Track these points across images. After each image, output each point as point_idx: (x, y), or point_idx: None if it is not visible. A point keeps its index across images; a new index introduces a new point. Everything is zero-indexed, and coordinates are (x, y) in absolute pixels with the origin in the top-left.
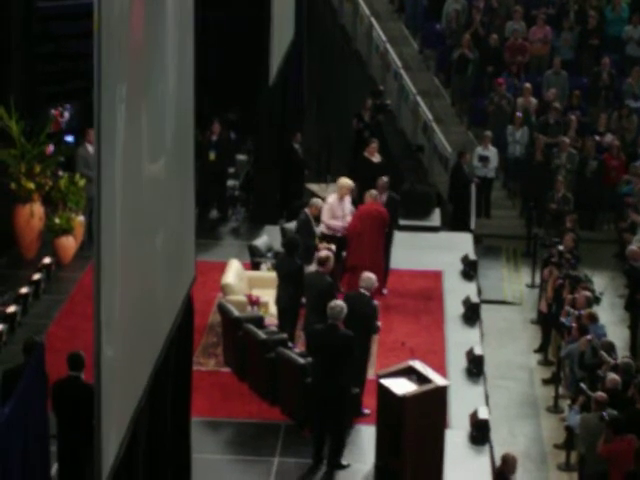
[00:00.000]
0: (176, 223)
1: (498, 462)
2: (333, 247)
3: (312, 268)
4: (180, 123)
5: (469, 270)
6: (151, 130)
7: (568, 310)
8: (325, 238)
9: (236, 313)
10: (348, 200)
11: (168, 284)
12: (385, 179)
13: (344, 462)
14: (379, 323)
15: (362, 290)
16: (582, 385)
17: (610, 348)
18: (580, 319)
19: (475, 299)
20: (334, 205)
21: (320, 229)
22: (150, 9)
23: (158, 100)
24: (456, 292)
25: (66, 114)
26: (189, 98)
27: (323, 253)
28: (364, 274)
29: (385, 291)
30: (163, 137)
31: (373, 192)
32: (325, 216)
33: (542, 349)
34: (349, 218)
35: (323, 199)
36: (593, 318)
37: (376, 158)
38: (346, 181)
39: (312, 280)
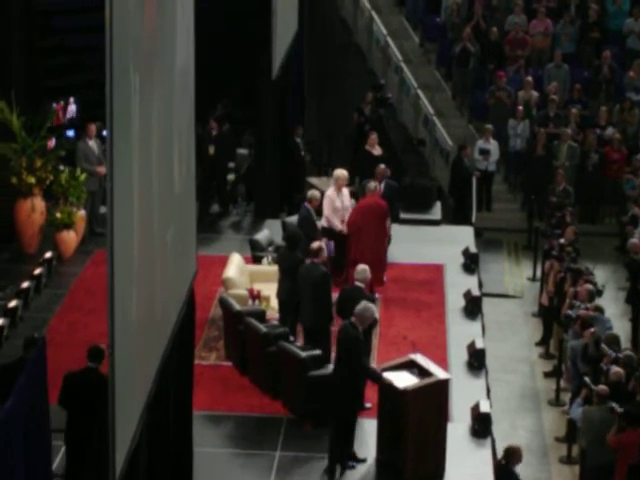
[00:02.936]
0: (182, 217)
1: (499, 455)
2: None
3: None
4: (184, 115)
5: (470, 263)
6: (162, 121)
7: (572, 303)
8: (325, 232)
9: (237, 307)
10: (346, 192)
11: (175, 278)
12: (383, 166)
13: (361, 456)
14: (377, 316)
15: (357, 283)
16: (585, 378)
17: (615, 341)
18: (587, 310)
19: (476, 292)
20: (333, 197)
21: (322, 222)
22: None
23: (168, 91)
24: (457, 285)
25: (72, 107)
26: (190, 91)
27: (315, 244)
28: (358, 266)
29: (385, 278)
30: (172, 127)
31: (372, 184)
32: (326, 210)
33: (543, 342)
34: (349, 211)
35: (322, 192)
36: (599, 310)
37: (377, 151)
38: (341, 172)
39: (306, 271)
